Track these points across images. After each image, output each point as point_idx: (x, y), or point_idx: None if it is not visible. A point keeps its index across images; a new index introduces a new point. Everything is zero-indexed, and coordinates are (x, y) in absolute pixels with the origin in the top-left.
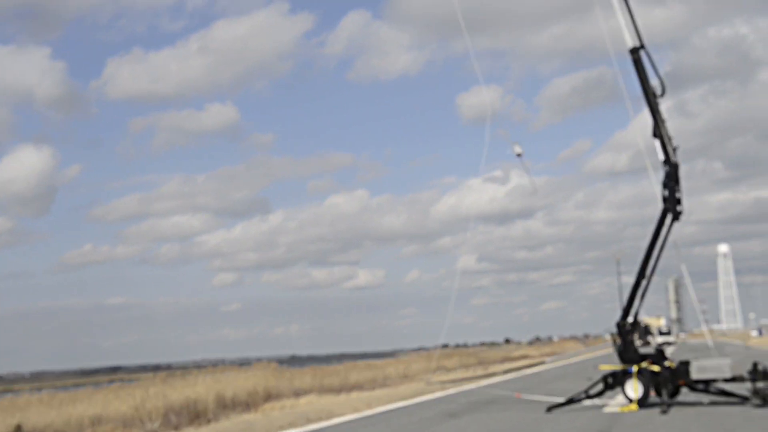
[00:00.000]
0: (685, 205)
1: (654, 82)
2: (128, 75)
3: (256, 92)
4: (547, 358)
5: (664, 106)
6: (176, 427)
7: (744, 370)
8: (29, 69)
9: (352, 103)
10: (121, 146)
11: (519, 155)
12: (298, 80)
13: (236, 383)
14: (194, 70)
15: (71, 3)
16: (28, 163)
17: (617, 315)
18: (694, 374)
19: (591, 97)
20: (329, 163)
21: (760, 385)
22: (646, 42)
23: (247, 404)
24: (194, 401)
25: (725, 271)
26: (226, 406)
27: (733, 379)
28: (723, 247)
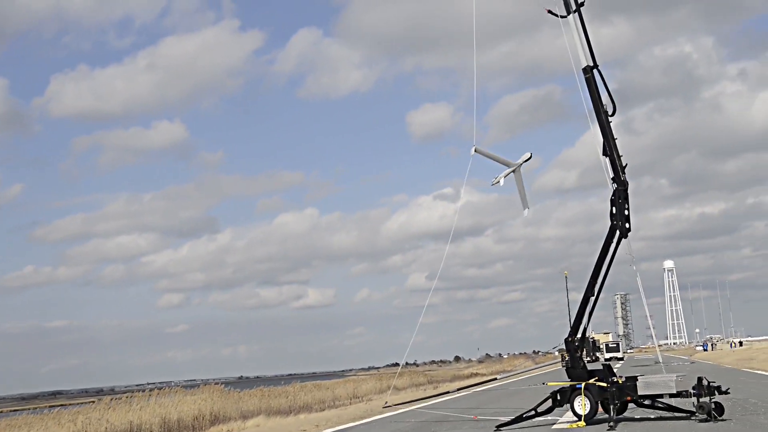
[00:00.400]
0: (633, 222)
1: (605, 100)
2: (73, 92)
3: (204, 110)
4: (497, 375)
5: (611, 123)
6: None
7: (689, 386)
8: None
9: (303, 120)
10: (64, 165)
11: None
12: (248, 98)
13: (182, 407)
14: (142, 87)
15: (14, 18)
16: None
17: (566, 331)
18: (641, 390)
19: (539, 115)
20: (279, 181)
21: (705, 399)
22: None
23: (193, 428)
24: (138, 426)
25: (671, 286)
26: (171, 430)
27: (679, 395)
28: (668, 263)
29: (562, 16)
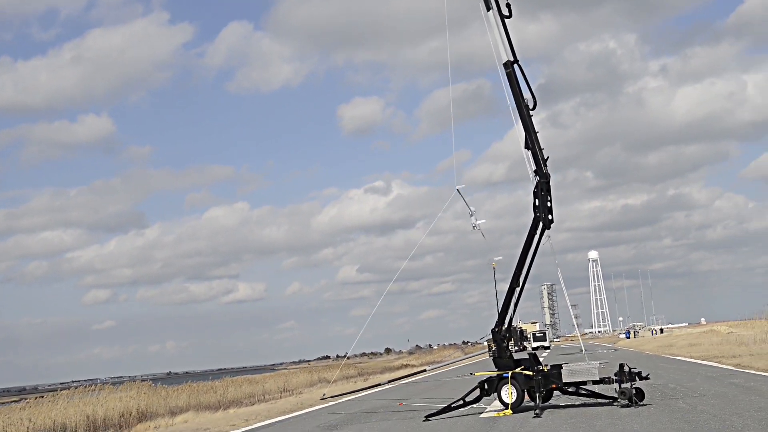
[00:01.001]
0: (556, 214)
1: (527, 95)
2: None
3: (132, 104)
4: (426, 367)
5: (538, 117)
6: None
7: (611, 372)
8: None
9: (233, 114)
10: None
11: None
12: (177, 92)
13: (108, 404)
14: (67, 80)
15: None
16: None
17: (495, 322)
18: (565, 378)
19: (469, 110)
20: (209, 175)
21: (626, 385)
22: (519, 56)
23: (120, 426)
24: (62, 425)
25: (595, 276)
26: (97, 428)
27: (601, 381)
28: (593, 254)
29: (505, 18)
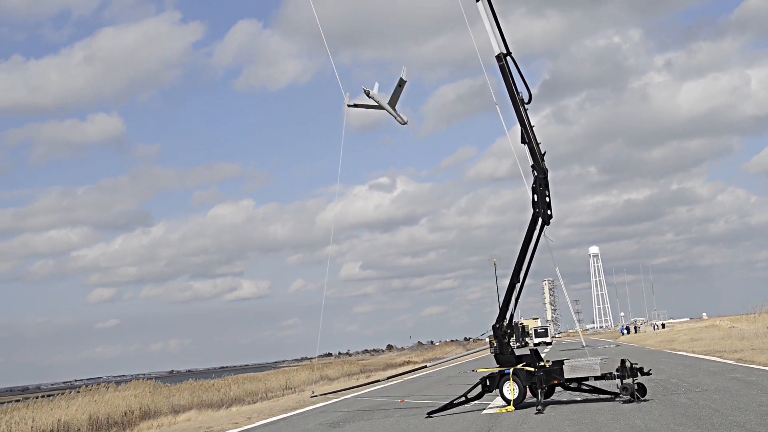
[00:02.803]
0: (559, 210)
1: (521, 89)
2: (5, 84)
3: (142, 102)
4: (428, 363)
5: (543, 113)
6: None
7: (613, 368)
8: None
9: (241, 112)
10: None
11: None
12: (186, 90)
13: (111, 402)
14: (78, 79)
15: None
16: None
17: (496, 318)
18: (567, 373)
19: (475, 105)
20: (216, 173)
21: (628, 381)
22: (526, 52)
23: (123, 424)
24: (65, 424)
25: (596, 271)
26: (100, 427)
27: (603, 377)
28: (594, 249)
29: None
